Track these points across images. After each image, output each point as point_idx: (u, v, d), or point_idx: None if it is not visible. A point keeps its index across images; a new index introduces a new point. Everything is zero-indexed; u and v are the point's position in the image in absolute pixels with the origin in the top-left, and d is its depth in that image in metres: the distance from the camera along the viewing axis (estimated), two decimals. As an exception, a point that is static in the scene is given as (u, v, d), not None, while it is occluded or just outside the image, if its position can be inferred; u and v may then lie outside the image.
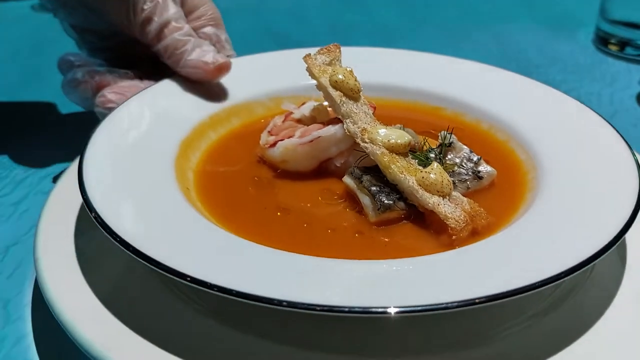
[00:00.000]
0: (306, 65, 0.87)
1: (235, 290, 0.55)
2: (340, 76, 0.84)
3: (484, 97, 0.99)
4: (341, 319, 0.58)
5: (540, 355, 0.59)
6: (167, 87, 0.97)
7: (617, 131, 0.83)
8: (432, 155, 0.82)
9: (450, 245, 0.69)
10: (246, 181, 0.84)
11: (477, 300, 0.54)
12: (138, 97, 0.91)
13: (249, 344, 0.61)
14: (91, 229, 0.75)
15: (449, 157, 0.83)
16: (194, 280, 0.57)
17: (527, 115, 0.92)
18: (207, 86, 0.99)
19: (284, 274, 0.60)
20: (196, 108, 0.95)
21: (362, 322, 0.63)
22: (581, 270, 0.58)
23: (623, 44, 1.59)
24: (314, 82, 0.90)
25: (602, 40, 1.64)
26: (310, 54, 0.89)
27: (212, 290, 0.56)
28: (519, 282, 0.56)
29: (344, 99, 0.83)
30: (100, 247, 0.71)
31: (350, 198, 0.78)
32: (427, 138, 0.86)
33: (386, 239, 0.72)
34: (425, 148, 0.84)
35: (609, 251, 0.61)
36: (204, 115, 0.94)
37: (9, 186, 1.00)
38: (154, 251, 0.60)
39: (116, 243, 0.62)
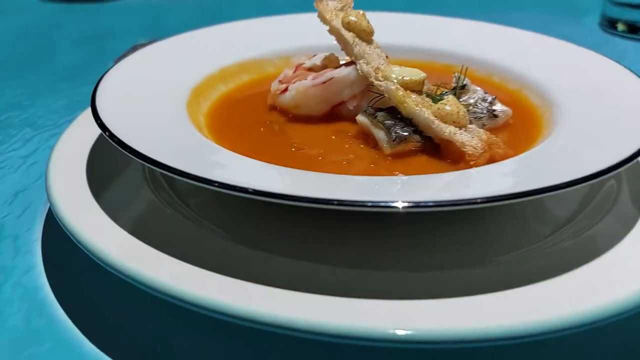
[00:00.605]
0: (317, 10, 0.87)
1: (252, 189, 0.53)
2: (353, 17, 0.83)
3: (494, 52, 0.98)
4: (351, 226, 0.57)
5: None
6: (177, 41, 0.97)
7: (631, 70, 0.82)
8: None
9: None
10: (258, 125, 0.83)
11: (494, 198, 0.52)
12: (147, 49, 0.91)
13: (252, 255, 0.60)
14: (104, 161, 0.74)
15: (463, 98, 0.82)
16: (222, 185, 0.55)
17: (536, 64, 0.91)
18: (217, 42, 1.00)
19: (300, 180, 0.59)
20: (206, 61, 0.95)
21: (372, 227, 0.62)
22: (600, 179, 0.56)
23: (627, 26, 1.59)
24: (324, 42, 0.90)
25: (610, 24, 1.64)
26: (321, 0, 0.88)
27: (237, 191, 0.54)
28: (538, 184, 0.54)
29: (357, 40, 0.83)
30: (110, 172, 0.71)
31: (365, 137, 0.77)
32: (440, 83, 0.86)
33: (400, 168, 0.71)
34: (438, 92, 0.83)
35: (631, 162, 0.59)
36: (214, 67, 0.94)
37: (18, 142, 0.99)
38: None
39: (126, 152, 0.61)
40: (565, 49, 0.94)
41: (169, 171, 0.57)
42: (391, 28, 1.06)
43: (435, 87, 0.84)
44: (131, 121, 0.69)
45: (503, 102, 0.85)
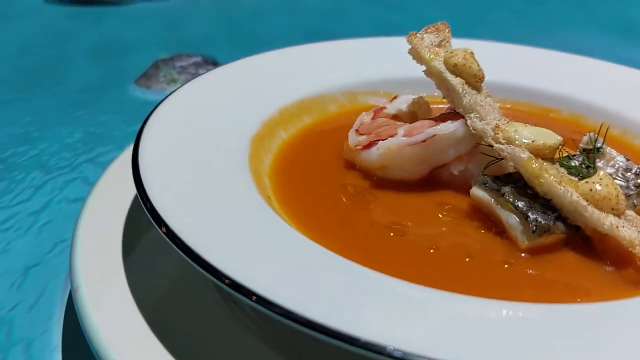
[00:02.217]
0: (410, 47, 0.69)
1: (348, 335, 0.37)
2: (460, 59, 0.66)
3: (607, 96, 0.81)
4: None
5: None
6: (219, 76, 0.79)
7: None
8: (575, 163, 0.64)
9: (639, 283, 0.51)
10: (335, 191, 0.66)
11: None
12: (186, 88, 0.73)
13: None
14: (142, 247, 0.57)
15: (599, 166, 0.64)
16: (317, 327, 0.38)
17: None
18: (269, 76, 0.82)
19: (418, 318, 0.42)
20: (262, 101, 0.77)
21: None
22: None
23: None
24: (402, 75, 0.72)
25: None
26: (415, 32, 0.71)
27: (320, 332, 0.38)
28: None
29: (466, 87, 0.65)
30: (154, 270, 0.53)
31: (482, 216, 0.60)
32: (562, 143, 0.68)
33: (545, 272, 0.54)
34: (562, 155, 0.66)
35: None
36: (272, 108, 0.76)
37: (26, 191, 0.81)
38: (245, 279, 0.42)
39: (197, 266, 0.43)
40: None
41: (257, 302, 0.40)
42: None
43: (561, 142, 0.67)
44: (187, 202, 0.52)
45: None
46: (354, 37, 1.53)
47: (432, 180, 0.66)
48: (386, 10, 1.80)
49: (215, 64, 1.33)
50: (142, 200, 0.50)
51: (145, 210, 0.49)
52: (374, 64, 0.88)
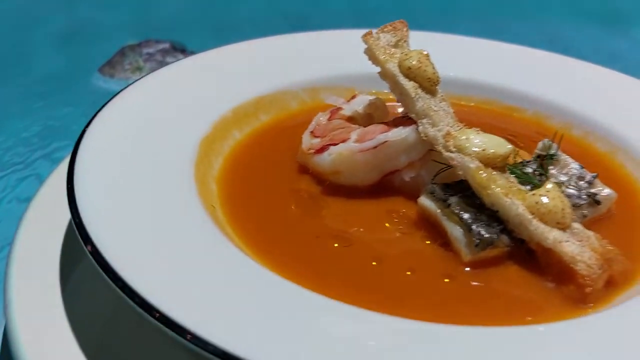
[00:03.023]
0: (366, 46, 0.67)
1: None
2: (414, 62, 0.64)
3: (574, 95, 0.80)
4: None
5: None
6: (174, 75, 0.77)
7: None
8: (529, 170, 0.63)
9: (580, 301, 0.50)
10: (285, 197, 0.64)
11: None
12: (138, 88, 0.71)
13: None
14: (81, 261, 0.55)
15: (552, 172, 0.63)
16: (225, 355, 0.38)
17: (636, 121, 0.73)
18: (225, 72, 0.80)
19: (346, 344, 0.41)
20: (214, 98, 0.75)
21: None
22: None
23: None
24: (363, 70, 0.71)
25: (662, 37, 1.46)
26: (371, 31, 0.69)
27: None
28: None
29: (419, 91, 0.63)
30: (94, 285, 0.52)
31: (429, 226, 0.59)
32: (517, 149, 0.67)
33: (485, 285, 0.53)
34: (516, 160, 0.64)
35: None
36: (225, 107, 0.74)
37: (-26, 190, 0.79)
38: (170, 305, 0.41)
39: (120, 290, 0.42)
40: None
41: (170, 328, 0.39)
42: (441, 55, 0.87)
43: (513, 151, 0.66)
44: (121, 219, 0.50)
45: (593, 171, 0.67)
46: (330, 22, 1.50)
47: (384, 186, 0.65)
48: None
49: (183, 50, 1.30)
50: (72, 214, 0.48)
51: (74, 225, 0.47)
52: (337, 58, 0.85)
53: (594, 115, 0.76)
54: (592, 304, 0.50)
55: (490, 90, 0.83)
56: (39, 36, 1.35)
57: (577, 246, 0.52)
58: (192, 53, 1.28)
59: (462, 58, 0.87)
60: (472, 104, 0.84)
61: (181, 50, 1.30)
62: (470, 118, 0.79)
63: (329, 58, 0.86)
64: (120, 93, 0.70)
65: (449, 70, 0.84)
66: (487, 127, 0.74)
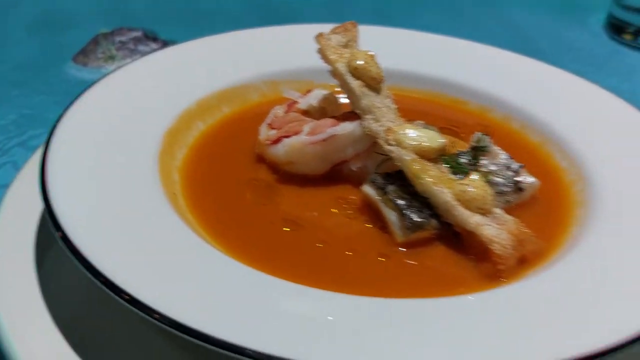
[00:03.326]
0: (318, 47, 0.73)
1: (229, 344, 0.43)
2: (360, 62, 0.70)
3: (514, 90, 0.87)
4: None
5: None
6: (144, 68, 0.82)
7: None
8: (463, 160, 0.70)
9: (495, 276, 0.58)
10: (243, 185, 0.71)
11: None
12: (109, 81, 0.76)
13: None
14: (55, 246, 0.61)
15: (483, 163, 0.70)
16: (178, 326, 0.44)
17: (567, 114, 0.80)
18: (191, 66, 0.85)
19: (290, 319, 0.48)
20: (180, 92, 0.80)
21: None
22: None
23: (638, 32, 1.49)
24: (321, 64, 0.76)
25: (616, 28, 1.53)
26: (323, 33, 0.75)
27: (202, 340, 0.44)
28: (595, 342, 0.45)
29: (364, 89, 0.70)
30: (66, 266, 0.58)
31: (371, 211, 0.66)
32: (453, 141, 0.74)
33: (415, 263, 0.61)
34: (453, 151, 0.71)
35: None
36: (190, 100, 0.80)
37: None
38: (131, 283, 0.47)
39: (87, 271, 0.48)
40: (593, 95, 0.83)
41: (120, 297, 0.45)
42: (389, 47, 0.93)
43: (450, 142, 0.73)
44: (89, 206, 0.56)
45: (523, 160, 0.74)
46: (298, 12, 1.55)
47: (334, 175, 0.72)
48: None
49: (155, 39, 1.34)
50: (46, 205, 0.54)
51: (47, 213, 0.53)
52: (297, 52, 0.90)
53: (529, 109, 0.83)
54: (505, 279, 0.57)
55: (438, 84, 0.90)
56: (13, 23, 1.38)
57: (494, 229, 0.60)
58: (164, 41, 1.33)
59: (414, 53, 0.93)
60: (422, 96, 0.91)
61: (153, 38, 1.34)
62: (419, 109, 0.88)
63: (289, 52, 0.91)
64: (92, 87, 0.75)
65: (401, 64, 0.92)
66: (434, 118, 0.82)
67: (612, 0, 1.54)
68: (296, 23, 1.34)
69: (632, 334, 0.46)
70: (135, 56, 1.25)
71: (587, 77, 1.29)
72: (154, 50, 1.28)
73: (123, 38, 1.33)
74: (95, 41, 1.30)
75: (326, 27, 0.80)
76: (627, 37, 1.49)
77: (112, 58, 1.24)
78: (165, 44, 1.32)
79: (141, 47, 1.29)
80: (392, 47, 0.93)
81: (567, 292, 0.53)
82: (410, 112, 0.82)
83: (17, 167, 0.87)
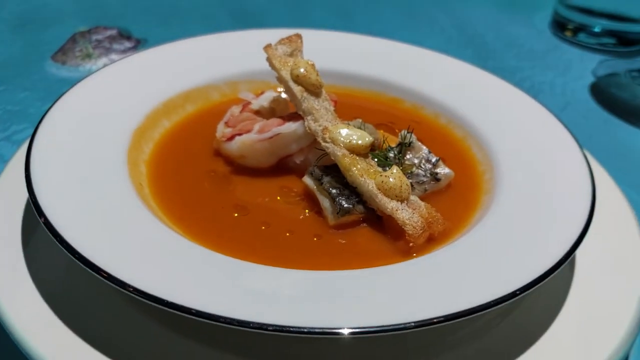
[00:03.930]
0: (266, 56, 0.84)
1: (184, 307, 0.54)
2: (302, 70, 0.81)
3: (444, 90, 0.99)
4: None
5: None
6: (118, 71, 0.93)
7: (571, 133, 0.85)
8: (391, 154, 0.82)
9: (407, 252, 0.70)
10: (202, 176, 0.82)
11: (434, 320, 0.55)
12: (86, 84, 0.87)
13: (190, 349, 0.61)
14: (39, 229, 0.72)
15: (408, 157, 0.83)
16: (146, 295, 0.56)
17: (485, 112, 0.93)
18: (160, 70, 0.96)
19: (237, 288, 0.59)
20: (148, 93, 0.91)
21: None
22: (537, 286, 0.60)
23: (577, 30, 1.61)
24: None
25: (559, 25, 1.66)
26: (270, 44, 0.86)
27: (163, 306, 0.55)
28: (478, 299, 0.58)
29: (305, 94, 0.81)
30: (49, 246, 0.69)
31: (310, 198, 0.78)
32: (386, 136, 0.86)
33: (344, 242, 0.73)
34: (384, 146, 0.84)
35: (565, 263, 0.63)
36: (156, 100, 0.91)
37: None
38: (105, 260, 0.59)
39: (65, 251, 0.59)
40: (510, 95, 0.96)
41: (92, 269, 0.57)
42: (336, 50, 1.05)
43: (382, 137, 0.85)
44: (68, 194, 0.67)
45: (447, 152, 0.87)
46: (266, 13, 1.65)
47: (281, 167, 0.83)
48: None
49: (129, 37, 1.43)
50: (30, 195, 0.65)
51: (32, 204, 0.64)
52: (255, 55, 1.00)
53: (454, 107, 0.95)
54: (415, 254, 0.70)
55: (378, 84, 1.01)
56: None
57: (408, 213, 0.72)
58: (137, 39, 1.43)
59: (358, 56, 1.05)
60: (363, 95, 1.02)
61: (127, 37, 1.43)
62: (360, 106, 0.99)
63: (248, 55, 1.01)
64: (71, 89, 0.85)
65: (345, 66, 1.03)
66: (373, 114, 0.95)
67: (557, -1, 1.66)
68: (263, 22, 1.45)
69: (511, 292, 0.59)
70: (111, 54, 1.35)
71: (524, 72, 1.43)
72: (128, 48, 1.39)
73: (99, 37, 1.42)
74: (73, 40, 1.39)
75: (286, 32, 0.91)
76: (568, 33, 1.62)
77: (89, 56, 1.33)
78: (139, 42, 1.42)
79: (116, 46, 1.38)
80: (338, 51, 1.05)
81: (462, 262, 0.66)
82: (352, 108, 0.95)
83: (3, 159, 0.97)
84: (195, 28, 1.48)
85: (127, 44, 1.39)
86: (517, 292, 0.58)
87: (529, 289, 0.59)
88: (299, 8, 1.67)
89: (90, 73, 0.91)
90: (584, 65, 1.48)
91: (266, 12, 1.63)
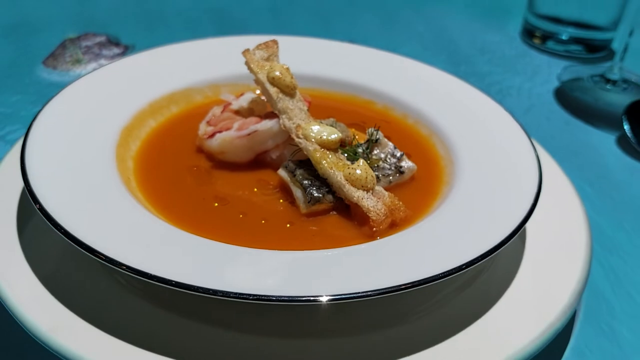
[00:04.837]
0: (244, 59, 0.92)
1: (173, 281, 0.60)
2: (277, 73, 0.88)
3: (412, 93, 1.06)
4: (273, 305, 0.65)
5: (452, 330, 0.69)
6: (107, 74, 0.99)
7: (525, 131, 0.93)
8: (360, 150, 0.89)
9: (372, 236, 0.77)
10: (185, 170, 0.89)
11: (399, 287, 0.62)
12: (77, 86, 0.93)
13: (182, 325, 0.67)
14: (33, 215, 0.78)
15: (375, 152, 0.90)
16: (133, 270, 0.62)
17: (449, 113, 1.00)
18: (145, 73, 1.02)
19: (218, 265, 0.66)
20: (135, 95, 0.97)
21: (291, 307, 0.70)
22: (486, 259, 0.67)
23: (546, 37, 1.70)
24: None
25: (528, 33, 1.75)
26: (249, 49, 0.93)
27: (152, 280, 0.61)
28: (433, 271, 0.65)
29: (280, 95, 0.88)
30: (43, 232, 0.75)
31: (284, 189, 0.85)
32: (356, 133, 0.93)
33: (315, 228, 0.80)
34: (354, 143, 0.91)
35: (509, 241, 0.70)
36: (143, 102, 0.97)
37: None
38: (97, 242, 0.65)
39: (60, 234, 0.66)
40: (472, 97, 1.03)
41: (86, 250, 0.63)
42: (313, 56, 1.12)
43: (352, 134, 0.92)
44: (62, 185, 0.73)
45: (413, 149, 0.94)
46: (248, 18, 1.72)
47: (258, 162, 0.90)
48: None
49: (118, 43, 1.50)
50: (25, 184, 0.71)
51: (27, 193, 0.70)
52: (235, 60, 1.07)
53: (420, 108, 1.02)
54: (378, 237, 0.77)
55: (351, 87, 1.09)
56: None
57: (372, 201, 0.79)
58: (125, 45, 1.49)
59: (332, 61, 1.12)
60: (338, 97, 1.09)
61: (116, 43, 1.50)
62: (335, 107, 1.07)
63: (229, 60, 1.08)
64: (62, 91, 0.91)
65: (321, 70, 1.11)
66: (346, 114, 1.02)
67: (526, 8, 1.75)
68: (246, 29, 1.53)
69: (460, 264, 0.66)
70: (100, 59, 1.42)
71: (494, 77, 1.52)
72: (117, 54, 1.45)
73: (88, 43, 1.48)
74: (63, 45, 1.46)
75: (265, 39, 0.98)
76: (537, 41, 1.71)
77: (79, 61, 1.39)
78: (127, 48, 1.48)
79: (105, 52, 1.45)
80: (315, 56, 1.12)
81: (420, 240, 0.73)
82: (327, 109, 1.02)
83: (-2, 157, 1.03)
84: (180, 34, 1.56)
85: (116, 50, 1.46)
86: (464, 266, 0.65)
87: (478, 262, 0.66)
88: (281, 15, 1.74)
89: (80, 76, 0.97)
90: (551, 71, 1.56)
91: (249, 19, 1.70)
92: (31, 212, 0.79)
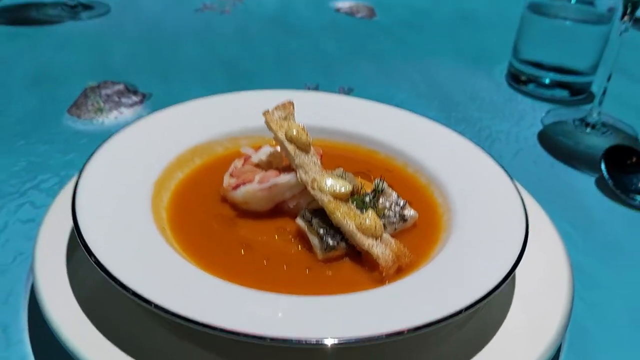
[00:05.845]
0: (265, 120, 1.03)
1: (201, 322, 0.71)
2: (294, 132, 1.00)
3: (411, 144, 1.18)
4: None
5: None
6: (137, 131, 1.10)
7: (512, 180, 1.04)
8: (367, 199, 1.00)
9: (381, 280, 0.88)
10: (212, 219, 0.99)
11: (405, 332, 0.72)
12: (111, 144, 1.04)
13: (199, 356, 0.77)
14: (83, 257, 0.88)
15: (381, 201, 1.01)
16: (171, 313, 0.72)
17: (445, 163, 1.12)
18: (171, 128, 1.13)
19: (242, 309, 0.76)
20: (164, 150, 1.08)
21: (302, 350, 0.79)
22: (485, 301, 0.78)
23: (529, 81, 1.84)
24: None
25: (514, 77, 1.89)
26: (268, 110, 1.04)
27: (182, 320, 0.71)
28: (437, 315, 0.75)
29: (297, 151, 0.99)
30: (94, 278, 0.85)
31: (302, 236, 0.95)
32: (362, 181, 1.04)
33: (330, 272, 0.90)
34: (362, 191, 1.02)
35: (503, 285, 0.81)
36: (171, 156, 1.08)
37: (-14, 215, 1.09)
38: (144, 289, 0.75)
39: (116, 286, 0.75)
40: (465, 148, 1.15)
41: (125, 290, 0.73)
42: (322, 109, 1.24)
43: (360, 184, 1.03)
44: (108, 236, 0.84)
45: (414, 197, 1.06)
46: (258, 63, 1.84)
47: (278, 211, 1.01)
48: (286, 36, 2.11)
49: (136, 92, 1.61)
50: (77, 234, 0.81)
51: (79, 240, 0.80)
52: (253, 114, 1.18)
53: (420, 158, 1.14)
54: (388, 281, 0.87)
55: (357, 138, 1.20)
56: (11, 79, 1.63)
57: (381, 248, 0.90)
58: (143, 93, 1.60)
59: (340, 114, 1.24)
60: (345, 146, 1.21)
61: (134, 91, 1.61)
62: (342, 156, 1.18)
63: (246, 114, 1.20)
64: (99, 148, 1.02)
65: (330, 122, 1.22)
66: (353, 163, 1.13)
67: (511, 54, 1.89)
68: (254, 78, 1.65)
69: (459, 309, 0.76)
70: (120, 107, 1.52)
71: (484, 122, 1.64)
72: (136, 102, 1.56)
73: (108, 91, 1.59)
74: (85, 94, 1.56)
75: (277, 93, 1.09)
76: (521, 85, 1.85)
77: (100, 110, 1.50)
78: (144, 96, 1.59)
79: (124, 99, 1.56)
80: (323, 109, 1.24)
81: (424, 286, 0.83)
82: (335, 158, 1.14)
83: (34, 205, 1.13)
84: (193, 82, 1.68)
85: (135, 98, 1.57)
86: (463, 310, 0.76)
87: (477, 304, 0.77)
88: (286, 66, 1.87)
89: (111, 134, 1.07)
90: (535, 114, 1.69)
91: (257, 68, 1.83)
92: (77, 248, 0.89)
